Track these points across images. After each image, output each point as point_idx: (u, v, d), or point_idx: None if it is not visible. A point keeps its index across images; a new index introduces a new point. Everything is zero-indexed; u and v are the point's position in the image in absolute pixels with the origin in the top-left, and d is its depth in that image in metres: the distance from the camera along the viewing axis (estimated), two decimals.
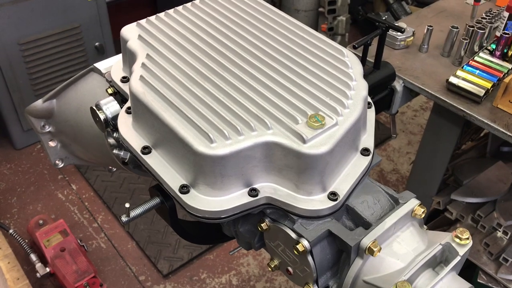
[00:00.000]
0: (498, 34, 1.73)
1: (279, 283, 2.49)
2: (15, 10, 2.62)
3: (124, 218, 0.93)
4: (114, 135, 1.03)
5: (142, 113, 0.86)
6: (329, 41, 0.95)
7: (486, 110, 1.53)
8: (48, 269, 2.27)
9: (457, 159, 2.13)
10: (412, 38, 1.74)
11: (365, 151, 0.87)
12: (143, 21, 1.02)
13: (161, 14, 1.03)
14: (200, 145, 0.76)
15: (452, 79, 1.56)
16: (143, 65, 0.90)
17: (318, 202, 0.79)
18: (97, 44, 3.03)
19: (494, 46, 1.67)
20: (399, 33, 1.63)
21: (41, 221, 2.46)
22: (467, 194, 1.99)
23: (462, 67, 1.60)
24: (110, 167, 1.49)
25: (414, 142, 3.31)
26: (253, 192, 0.80)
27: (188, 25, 0.99)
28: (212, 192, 0.80)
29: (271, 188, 0.81)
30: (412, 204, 0.83)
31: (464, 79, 1.56)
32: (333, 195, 0.80)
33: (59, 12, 2.77)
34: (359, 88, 0.86)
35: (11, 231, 2.37)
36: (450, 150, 1.74)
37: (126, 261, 2.55)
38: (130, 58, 0.97)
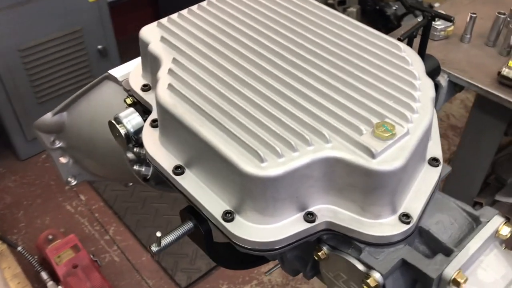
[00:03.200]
0: None
1: None
2: (14, 15, 2.49)
3: (154, 248, 0.82)
4: (135, 149, 0.92)
5: (172, 127, 0.74)
6: (381, 34, 0.82)
7: None
8: None
9: (497, 154, 1.94)
10: (452, 27, 1.58)
11: (433, 161, 0.75)
12: (164, 20, 0.89)
13: (184, 12, 0.90)
14: (248, 165, 0.64)
15: (505, 71, 1.42)
16: (170, 71, 0.77)
17: (388, 226, 0.67)
18: (100, 47, 2.89)
19: None
20: (438, 23, 1.48)
21: (50, 236, 2.34)
22: None
23: None
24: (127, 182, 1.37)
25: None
26: (310, 216, 0.68)
27: (217, 23, 0.86)
28: (262, 219, 0.68)
29: (330, 211, 0.69)
30: (497, 222, 0.71)
31: None
32: (405, 217, 0.67)
33: (59, 16, 2.65)
34: (426, 88, 0.74)
35: (19, 248, 2.24)
36: (494, 148, 1.59)
37: (142, 274, 2.43)
38: (152, 64, 0.84)
